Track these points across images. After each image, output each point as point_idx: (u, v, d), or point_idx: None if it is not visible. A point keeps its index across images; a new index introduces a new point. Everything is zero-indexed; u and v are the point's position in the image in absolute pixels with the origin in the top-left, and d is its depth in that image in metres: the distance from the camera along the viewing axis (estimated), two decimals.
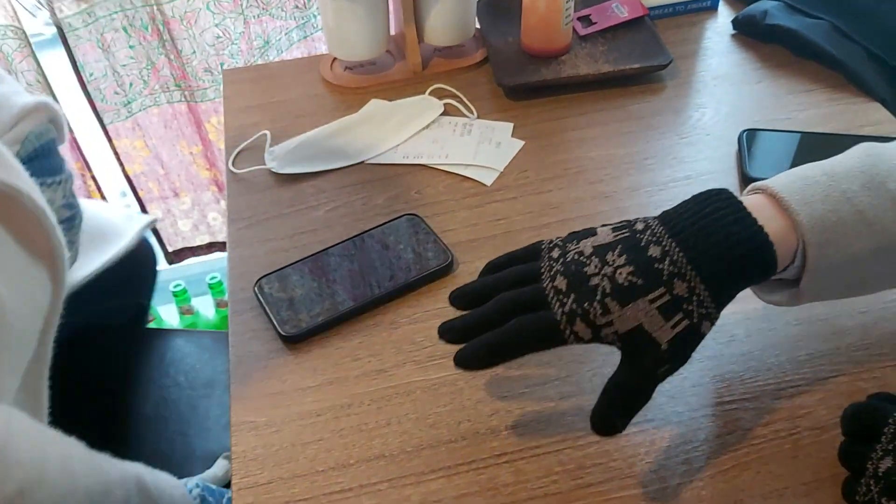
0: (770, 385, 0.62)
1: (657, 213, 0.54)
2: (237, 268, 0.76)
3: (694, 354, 0.58)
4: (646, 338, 0.50)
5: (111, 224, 0.99)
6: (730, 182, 0.81)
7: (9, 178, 0.57)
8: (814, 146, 0.83)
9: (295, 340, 0.68)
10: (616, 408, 0.52)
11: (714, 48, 1.01)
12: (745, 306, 0.67)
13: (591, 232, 0.55)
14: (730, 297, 0.52)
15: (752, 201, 0.53)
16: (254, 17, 1.15)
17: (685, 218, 0.52)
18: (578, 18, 1.04)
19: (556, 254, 0.55)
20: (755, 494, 0.55)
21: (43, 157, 0.71)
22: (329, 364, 0.66)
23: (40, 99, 0.71)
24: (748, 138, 0.84)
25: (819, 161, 0.56)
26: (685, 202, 0.54)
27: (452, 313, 0.70)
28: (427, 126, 0.92)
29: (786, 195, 0.52)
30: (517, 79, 0.95)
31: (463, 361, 0.54)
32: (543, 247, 0.57)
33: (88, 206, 0.84)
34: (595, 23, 1.03)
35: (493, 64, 0.98)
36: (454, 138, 0.90)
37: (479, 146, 0.89)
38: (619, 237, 0.53)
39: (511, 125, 0.91)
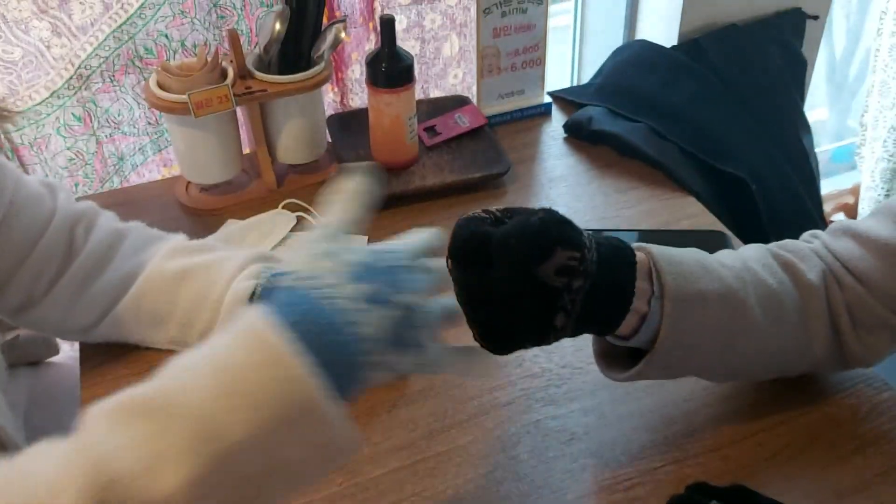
0: (607, 480, 0.67)
1: None
2: None
3: (538, 454, 0.68)
4: None
5: None
6: None
7: None
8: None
9: None
10: None
11: (549, 151, 1.10)
12: (583, 404, 0.73)
13: None
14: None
15: None
16: (106, 136, 1.16)
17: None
18: (424, 129, 1.10)
19: None
20: None
21: None
22: None
23: None
24: None
25: None
26: None
27: None
28: (283, 241, 0.95)
29: (644, 247, 0.61)
30: None
31: None
32: None
33: None
34: (440, 133, 1.10)
35: None
36: None
37: None
38: None
39: (365, 238, 0.95)
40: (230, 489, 0.41)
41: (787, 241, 0.69)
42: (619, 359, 0.64)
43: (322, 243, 0.50)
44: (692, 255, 0.62)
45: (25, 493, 0.40)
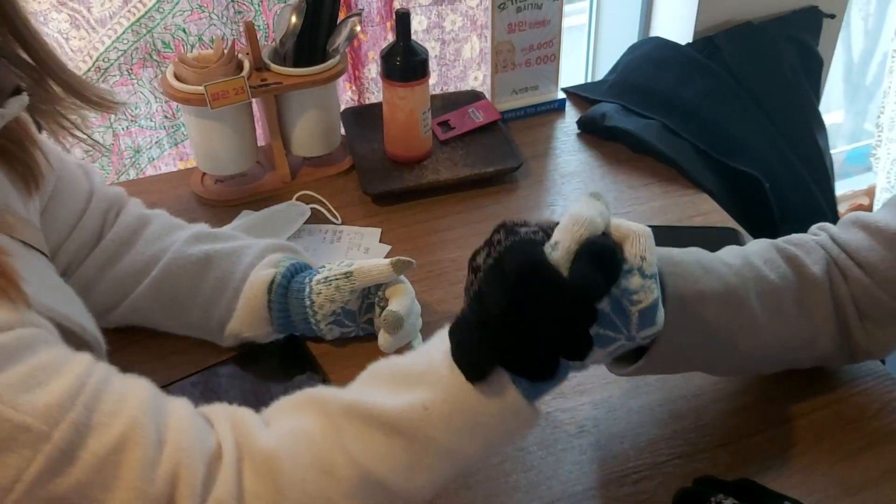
0: (616, 473, 0.67)
1: None
2: None
3: (547, 446, 0.68)
4: None
5: None
6: None
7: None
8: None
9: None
10: None
11: (562, 147, 1.10)
12: (592, 397, 0.74)
13: None
14: None
15: None
16: (122, 129, 1.17)
17: None
18: (438, 123, 1.11)
19: None
20: None
21: None
22: None
23: None
24: None
25: None
26: None
27: None
28: (297, 233, 0.96)
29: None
30: (382, 186, 1.01)
31: None
32: None
33: None
34: (454, 128, 1.10)
35: (359, 172, 1.03)
36: (324, 246, 0.94)
37: (349, 252, 0.93)
38: None
39: (379, 230, 0.96)
40: (455, 476, 0.56)
41: (794, 235, 0.69)
42: (625, 354, 0.65)
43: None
44: (692, 254, 0.62)
45: (301, 477, 0.51)
